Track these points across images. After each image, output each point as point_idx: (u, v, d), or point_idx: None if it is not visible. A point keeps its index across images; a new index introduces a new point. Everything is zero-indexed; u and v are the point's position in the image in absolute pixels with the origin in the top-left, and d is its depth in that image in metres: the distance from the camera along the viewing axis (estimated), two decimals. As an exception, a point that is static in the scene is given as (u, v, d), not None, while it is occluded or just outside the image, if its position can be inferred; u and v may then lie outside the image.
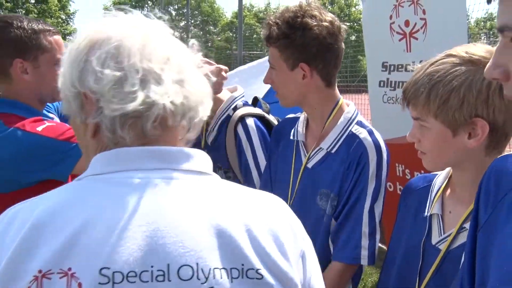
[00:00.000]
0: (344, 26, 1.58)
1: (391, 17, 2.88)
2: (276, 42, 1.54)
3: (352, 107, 1.65)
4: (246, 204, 0.81)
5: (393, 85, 2.87)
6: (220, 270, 0.72)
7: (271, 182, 1.79)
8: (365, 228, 1.53)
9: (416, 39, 2.73)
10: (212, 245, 0.73)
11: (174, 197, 0.76)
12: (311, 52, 1.52)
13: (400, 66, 2.84)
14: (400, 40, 2.82)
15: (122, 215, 0.72)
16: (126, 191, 0.75)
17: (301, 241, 0.84)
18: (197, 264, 0.71)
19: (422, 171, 1.80)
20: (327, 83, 1.60)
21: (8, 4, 38.84)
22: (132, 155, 0.78)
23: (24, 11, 39.83)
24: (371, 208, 1.53)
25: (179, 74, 0.82)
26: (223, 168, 1.97)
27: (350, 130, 1.57)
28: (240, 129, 1.88)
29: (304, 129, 1.69)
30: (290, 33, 1.50)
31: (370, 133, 1.58)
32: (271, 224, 0.79)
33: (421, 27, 2.70)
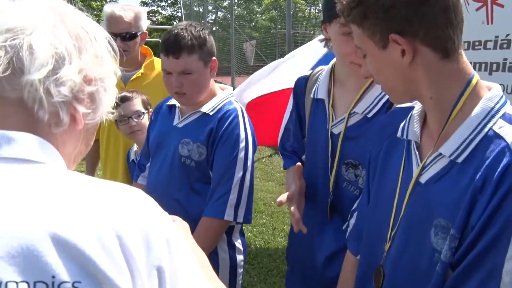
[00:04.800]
0: None
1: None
2: (350, 15, 1.12)
3: (497, 91, 1.07)
4: (78, 203, 0.68)
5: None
6: (17, 284, 0.60)
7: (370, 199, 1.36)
8: None
9: (502, 6, 2.10)
10: (8, 255, 0.61)
11: None
12: (400, 15, 1.03)
13: (477, 43, 2.22)
14: (477, 9, 2.19)
15: None
16: None
17: (157, 253, 0.71)
18: None
19: None
20: (442, 53, 1.07)
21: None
22: None
23: None
24: None
25: None
26: None
27: (490, 128, 1.01)
28: None
29: (420, 125, 1.19)
30: None
31: None
32: (104, 227, 0.66)
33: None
